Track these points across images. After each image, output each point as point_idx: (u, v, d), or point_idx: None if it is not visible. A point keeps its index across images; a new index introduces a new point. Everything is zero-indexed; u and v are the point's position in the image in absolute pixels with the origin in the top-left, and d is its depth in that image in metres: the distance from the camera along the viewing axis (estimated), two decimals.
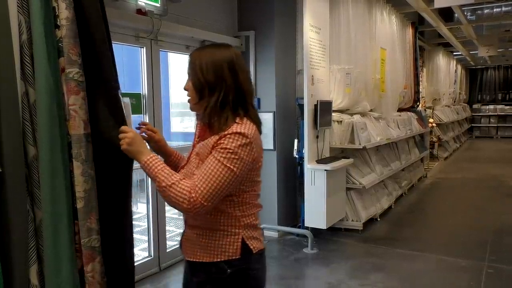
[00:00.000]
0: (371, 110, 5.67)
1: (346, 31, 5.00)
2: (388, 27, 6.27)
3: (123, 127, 1.49)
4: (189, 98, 1.56)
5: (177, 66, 5.81)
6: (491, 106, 16.47)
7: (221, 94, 1.47)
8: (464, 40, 10.32)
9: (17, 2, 1.22)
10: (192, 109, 1.58)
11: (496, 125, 16.24)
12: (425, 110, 9.34)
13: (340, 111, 4.95)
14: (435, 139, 9.80)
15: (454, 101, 13.09)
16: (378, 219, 5.19)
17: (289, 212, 4.87)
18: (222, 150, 1.39)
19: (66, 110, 1.30)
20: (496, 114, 16.21)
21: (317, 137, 4.39)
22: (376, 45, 5.78)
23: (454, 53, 12.58)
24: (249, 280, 1.52)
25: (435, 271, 3.74)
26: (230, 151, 1.39)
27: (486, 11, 9.51)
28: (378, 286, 3.42)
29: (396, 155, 6.43)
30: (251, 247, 1.50)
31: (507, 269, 3.76)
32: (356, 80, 4.99)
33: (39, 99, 1.23)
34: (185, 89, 1.56)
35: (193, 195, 1.36)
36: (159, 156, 1.53)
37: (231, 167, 1.38)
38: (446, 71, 11.42)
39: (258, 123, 1.52)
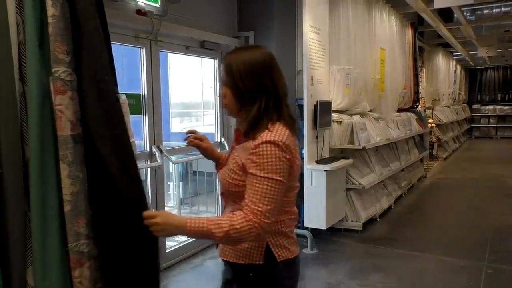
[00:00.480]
0: (370, 111, 5.67)
1: (346, 31, 5.00)
2: (388, 28, 6.27)
3: (147, 213, 1.35)
4: (225, 104, 1.53)
5: (177, 67, 5.81)
6: (491, 107, 16.47)
7: (263, 101, 1.45)
8: (464, 41, 10.33)
9: (15, 2, 1.22)
10: (229, 114, 1.57)
11: (495, 125, 16.24)
12: (425, 111, 9.34)
13: (340, 111, 4.95)
14: (434, 139, 9.80)
15: (454, 102, 13.09)
16: (378, 220, 5.19)
17: None
18: (260, 167, 1.37)
19: (54, 110, 1.26)
20: (495, 114, 16.21)
21: (317, 137, 4.39)
22: (376, 45, 5.78)
23: (453, 54, 12.58)
24: (272, 287, 1.51)
25: (434, 271, 3.74)
26: (268, 163, 1.36)
27: (485, 11, 9.52)
28: (378, 286, 3.41)
29: (396, 155, 6.43)
30: (276, 255, 1.48)
31: (507, 269, 3.75)
32: (355, 81, 4.99)
33: (30, 99, 1.21)
34: (221, 95, 1.54)
35: (255, 219, 1.35)
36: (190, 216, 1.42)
37: (275, 177, 1.36)
38: (445, 71, 11.42)
39: (292, 124, 1.49)
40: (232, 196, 1.51)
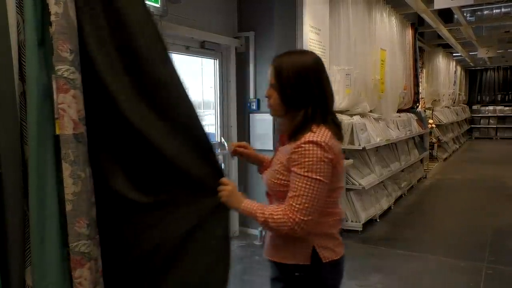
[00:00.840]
0: (370, 111, 5.67)
1: (346, 32, 5.00)
2: (388, 28, 6.27)
3: (223, 180, 1.58)
4: (270, 105, 1.56)
5: (176, 67, 5.81)
6: (491, 107, 16.47)
7: (309, 109, 1.46)
8: (464, 41, 10.33)
9: (15, 2, 1.21)
10: (273, 115, 1.61)
11: (495, 126, 16.24)
12: (425, 111, 9.34)
13: (340, 112, 4.95)
14: (434, 140, 9.80)
15: (454, 102, 13.10)
16: (378, 220, 5.19)
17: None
18: (301, 165, 1.40)
19: (55, 109, 1.25)
20: (495, 115, 16.21)
21: None
22: (376, 46, 5.78)
23: (453, 54, 12.59)
24: (317, 287, 1.54)
25: (434, 272, 3.74)
26: (309, 162, 1.39)
27: (485, 12, 9.53)
28: (378, 287, 3.41)
29: (396, 156, 6.43)
30: (321, 256, 1.50)
31: (507, 270, 3.75)
32: (355, 81, 4.99)
33: (30, 98, 1.21)
34: (267, 96, 1.56)
35: (290, 215, 1.40)
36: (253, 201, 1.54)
37: (317, 176, 1.39)
38: (445, 72, 11.42)
39: (336, 128, 1.51)
40: (277, 196, 1.53)
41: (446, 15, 8.44)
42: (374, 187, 5.28)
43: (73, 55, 1.25)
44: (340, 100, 4.81)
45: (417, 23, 7.98)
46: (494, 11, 9.44)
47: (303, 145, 1.40)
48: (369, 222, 5.01)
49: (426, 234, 4.81)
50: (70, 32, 1.25)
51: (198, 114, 1.58)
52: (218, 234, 1.62)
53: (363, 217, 4.84)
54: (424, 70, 10.02)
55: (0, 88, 1.18)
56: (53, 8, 1.21)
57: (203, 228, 1.57)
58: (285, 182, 1.47)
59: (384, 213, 5.45)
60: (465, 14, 8.32)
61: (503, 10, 9.31)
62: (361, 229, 4.72)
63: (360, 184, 4.82)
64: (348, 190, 4.82)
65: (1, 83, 1.18)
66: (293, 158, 1.42)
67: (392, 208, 5.78)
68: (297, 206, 1.40)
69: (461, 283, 3.51)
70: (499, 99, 16.80)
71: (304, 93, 1.47)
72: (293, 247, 1.51)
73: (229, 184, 1.58)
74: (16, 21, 1.22)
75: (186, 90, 1.54)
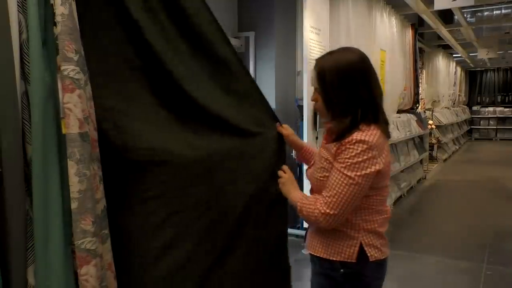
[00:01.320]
0: None
1: (346, 32, 5.01)
2: (388, 29, 6.27)
3: (283, 167, 1.74)
4: (316, 108, 1.53)
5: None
6: (491, 108, 16.48)
7: (358, 114, 1.42)
8: (464, 42, 10.34)
9: (18, 1, 1.22)
10: (321, 118, 1.58)
11: (495, 127, 16.24)
12: (425, 112, 9.35)
13: None
14: (434, 141, 9.80)
15: (454, 103, 13.10)
16: None
17: (288, 213, 4.86)
18: (342, 160, 1.39)
19: (61, 109, 1.28)
20: (495, 116, 16.22)
21: (317, 138, 4.39)
22: (376, 46, 5.78)
23: (453, 55, 12.60)
24: (361, 285, 1.52)
25: (434, 273, 3.74)
26: (350, 160, 1.37)
27: (486, 13, 9.53)
28: None
29: (396, 156, 6.43)
30: (368, 254, 1.48)
31: (506, 271, 3.76)
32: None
33: (33, 98, 1.22)
34: (313, 100, 1.53)
35: (318, 205, 1.42)
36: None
37: (352, 175, 1.37)
38: (445, 73, 11.43)
39: (385, 126, 1.47)
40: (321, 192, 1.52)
41: (446, 16, 8.44)
42: None
43: (78, 55, 1.28)
44: None
45: (417, 24, 7.99)
46: (495, 12, 9.45)
47: (349, 143, 1.38)
48: None
49: (425, 235, 4.81)
50: (75, 33, 1.28)
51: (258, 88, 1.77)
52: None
53: None
54: (424, 71, 10.02)
55: (1, 88, 1.18)
56: (59, 9, 1.23)
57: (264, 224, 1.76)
58: None
59: None
60: (465, 15, 8.32)
61: (503, 11, 9.32)
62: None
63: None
64: None
65: (2, 82, 1.18)
66: (338, 153, 1.42)
67: (392, 208, 5.78)
68: (327, 198, 1.40)
69: (461, 284, 3.51)
70: (499, 100, 16.81)
71: (350, 97, 1.42)
72: (340, 243, 1.50)
73: (287, 173, 1.70)
74: (17, 21, 1.22)
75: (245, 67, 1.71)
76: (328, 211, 1.40)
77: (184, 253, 1.53)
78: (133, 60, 1.48)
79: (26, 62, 1.24)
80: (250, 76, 1.77)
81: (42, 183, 1.23)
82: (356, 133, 1.39)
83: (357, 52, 1.49)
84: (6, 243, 1.23)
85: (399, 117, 6.76)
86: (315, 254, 1.57)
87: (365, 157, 1.37)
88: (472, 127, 16.40)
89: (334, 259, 1.50)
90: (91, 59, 1.35)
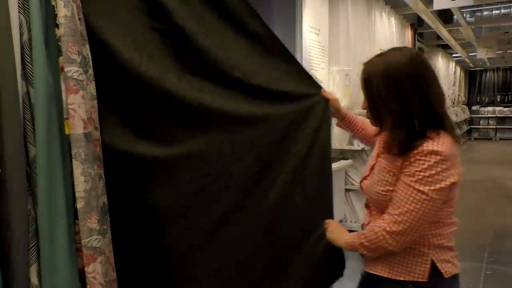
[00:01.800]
0: None
1: (345, 32, 5.02)
2: (387, 29, 6.28)
3: (326, 221, 1.65)
4: (368, 116, 1.39)
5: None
6: (490, 108, 16.50)
7: (414, 124, 1.25)
8: (463, 42, 10.35)
9: (18, 2, 1.23)
10: (373, 125, 1.44)
11: (495, 126, 16.26)
12: None
13: None
14: None
15: (453, 103, 13.12)
16: None
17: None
18: (411, 173, 1.24)
19: (65, 109, 1.30)
20: (495, 116, 16.23)
21: None
22: (375, 46, 5.79)
23: (453, 55, 12.62)
24: None
25: None
26: (422, 173, 1.22)
27: (485, 13, 9.55)
28: None
29: None
30: (442, 271, 1.34)
31: (506, 271, 3.76)
32: (355, 82, 5.00)
33: (37, 99, 1.24)
34: (363, 109, 1.39)
35: (384, 225, 1.28)
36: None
37: (425, 190, 1.22)
38: (445, 72, 11.45)
39: (452, 132, 1.30)
40: (382, 208, 1.37)
41: (445, 15, 8.45)
42: None
43: (80, 56, 1.29)
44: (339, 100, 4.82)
45: (416, 24, 8.00)
46: (494, 12, 9.47)
47: (419, 155, 1.23)
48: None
49: None
50: (77, 34, 1.29)
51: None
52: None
53: (362, 217, 4.85)
54: None
55: (3, 88, 1.19)
56: (62, 11, 1.24)
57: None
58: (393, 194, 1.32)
59: None
60: (464, 15, 8.34)
61: (502, 11, 9.33)
62: (361, 230, 4.72)
63: (359, 185, 4.83)
64: (347, 190, 4.84)
65: (4, 83, 1.19)
66: (405, 165, 1.27)
67: None
68: (395, 217, 1.26)
69: (461, 283, 3.50)
70: (498, 100, 16.84)
71: (402, 109, 1.25)
72: (407, 261, 1.34)
73: (330, 221, 1.62)
74: (18, 21, 1.23)
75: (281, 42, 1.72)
76: (394, 229, 1.26)
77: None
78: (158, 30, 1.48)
79: (28, 63, 1.25)
80: (285, 47, 1.76)
81: (47, 183, 1.25)
82: (425, 142, 1.23)
83: (408, 53, 1.30)
84: (8, 242, 1.24)
85: None
86: (377, 274, 1.40)
87: (438, 169, 1.21)
88: (471, 126, 16.42)
89: (403, 279, 1.34)
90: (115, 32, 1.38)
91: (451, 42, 9.62)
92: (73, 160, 1.28)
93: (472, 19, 9.51)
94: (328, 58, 4.66)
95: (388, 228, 1.28)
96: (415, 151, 1.24)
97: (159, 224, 1.51)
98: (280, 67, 1.66)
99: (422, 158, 1.22)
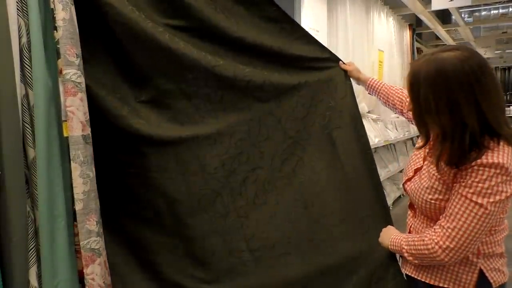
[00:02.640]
0: (369, 112, 5.69)
1: (344, 33, 5.02)
2: (386, 29, 6.29)
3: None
4: (414, 121, 1.26)
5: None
6: None
7: (466, 138, 1.12)
8: (462, 42, 10.37)
9: (17, 5, 1.24)
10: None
11: None
12: None
13: None
14: None
15: None
16: None
17: None
18: (469, 184, 1.15)
19: (63, 112, 1.31)
20: None
21: None
22: (374, 47, 5.80)
23: None
24: None
25: None
26: (481, 184, 1.13)
27: (483, 13, 9.57)
28: None
29: (394, 156, 6.45)
30: (491, 280, 1.27)
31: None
32: (353, 82, 5.00)
33: (37, 101, 1.24)
34: (409, 110, 1.28)
35: (437, 238, 1.20)
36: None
37: (484, 203, 1.13)
38: None
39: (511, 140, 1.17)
40: (430, 214, 1.32)
41: (444, 16, 8.47)
42: None
43: (78, 59, 1.30)
44: None
45: (415, 24, 8.01)
46: (492, 12, 9.48)
47: (476, 166, 1.13)
48: None
49: None
50: (75, 37, 1.30)
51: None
52: None
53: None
54: None
55: (2, 91, 1.20)
56: (61, 14, 1.25)
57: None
58: (443, 203, 1.25)
59: None
60: (462, 15, 8.35)
61: (500, 11, 9.35)
62: None
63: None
64: None
65: (3, 85, 1.20)
66: (462, 175, 1.17)
67: (391, 209, 5.79)
68: (449, 230, 1.18)
69: None
70: None
71: (450, 119, 1.12)
72: (454, 268, 1.28)
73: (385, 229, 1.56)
74: (17, 25, 1.24)
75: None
76: (448, 244, 1.18)
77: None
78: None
79: (27, 66, 1.26)
80: (303, 28, 1.81)
81: (46, 185, 1.25)
82: (485, 154, 1.13)
83: (462, 55, 1.12)
84: (7, 244, 1.24)
85: (398, 118, 6.78)
86: (417, 278, 1.35)
87: (498, 180, 1.12)
88: None
89: (446, 286, 1.29)
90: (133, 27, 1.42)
91: (450, 42, 9.63)
92: (71, 162, 1.29)
93: (471, 19, 9.52)
94: None
95: (441, 243, 1.19)
96: (474, 163, 1.13)
97: (183, 214, 1.54)
98: (300, 46, 1.72)
99: (481, 168, 1.13)
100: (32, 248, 1.29)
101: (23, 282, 1.26)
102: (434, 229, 1.24)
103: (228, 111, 1.58)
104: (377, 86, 1.80)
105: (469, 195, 1.15)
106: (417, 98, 1.16)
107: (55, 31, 1.30)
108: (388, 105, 1.80)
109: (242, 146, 1.58)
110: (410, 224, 1.48)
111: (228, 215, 1.56)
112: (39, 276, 1.31)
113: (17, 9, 1.24)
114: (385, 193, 5.84)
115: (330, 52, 1.83)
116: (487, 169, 1.12)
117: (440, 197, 1.24)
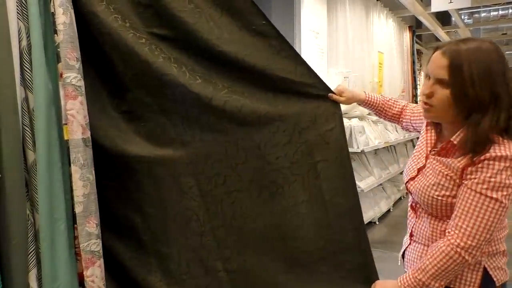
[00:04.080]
0: (369, 114, 5.69)
1: (344, 34, 5.03)
2: (386, 31, 6.30)
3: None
4: (432, 105, 1.24)
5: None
6: None
7: (495, 114, 1.15)
8: None
9: (17, 9, 1.24)
10: (431, 118, 1.32)
11: None
12: None
13: None
14: None
15: None
16: (377, 223, 5.20)
17: None
18: (481, 180, 1.16)
19: (63, 115, 1.31)
20: None
21: None
22: (374, 48, 5.81)
23: None
24: None
25: None
26: (493, 178, 1.15)
27: (483, 14, 9.59)
28: None
29: (395, 158, 6.45)
30: (495, 278, 1.28)
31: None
32: (354, 84, 5.01)
33: (37, 104, 1.25)
34: (428, 95, 1.25)
35: (457, 242, 1.18)
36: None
37: (498, 197, 1.15)
38: None
39: None
40: (434, 213, 1.32)
41: (443, 17, 8.48)
42: (373, 189, 5.29)
43: (79, 63, 1.31)
44: None
45: (414, 26, 8.02)
46: (492, 13, 9.50)
47: (487, 161, 1.15)
48: (368, 225, 5.02)
49: None
50: (75, 41, 1.31)
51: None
52: None
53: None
54: (422, 73, 10.05)
55: (2, 94, 1.20)
56: (61, 18, 1.26)
57: None
58: (452, 199, 1.25)
59: (383, 216, 5.46)
60: (462, 17, 8.37)
61: (500, 12, 9.37)
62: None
63: (359, 187, 4.83)
64: None
65: (3, 88, 1.20)
66: (472, 171, 1.18)
67: (391, 210, 5.79)
68: (467, 229, 1.17)
69: None
70: None
71: (489, 94, 1.16)
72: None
73: (376, 285, 1.48)
74: (17, 28, 1.24)
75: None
76: (470, 242, 1.17)
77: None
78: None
79: (26, 69, 1.26)
80: (292, 47, 1.67)
81: (47, 188, 1.25)
82: (493, 147, 1.16)
83: (493, 43, 1.23)
84: (7, 247, 1.24)
85: None
86: None
87: (508, 173, 1.15)
88: None
89: (452, 286, 1.28)
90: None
91: None
92: (71, 165, 1.29)
93: (470, 21, 9.54)
94: (327, 61, 4.67)
95: (462, 244, 1.18)
96: (483, 157, 1.16)
97: (158, 231, 1.52)
98: (286, 67, 1.59)
99: (491, 163, 1.15)
100: (32, 251, 1.29)
101: (23, 285, 1.26)
102: (448, 234, 1.22)
103: (205, 130, 1.52)
104: (373, 102, 1.74)
105: (483, 191, 1.16)
106: (460, 75, 1.17)
107: (55, 34, 1.30)
108: (384, 117, 1.77)
109: (219, 167, 1.53)
110: (412, 225, 1.47)
111: (204, 235, 1.52)
112: (39, 279, 1.30)
113: (17, 12, 1.24)
114: (386, 194, 5.85)
115: (320, 79, 1.65)
116: (497, 162, 1.15)
117: (447, 193, 1.25)
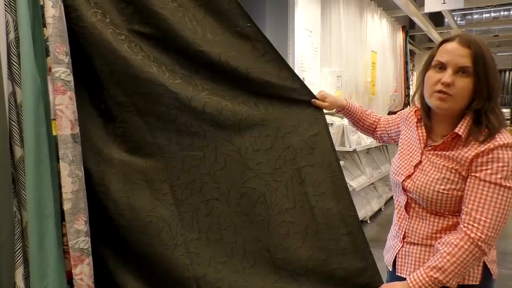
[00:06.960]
0: None
1: (337, 34, 5.04)
2: (379, 31, 6.32)
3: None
4: (452, 94, 1.24)
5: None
6: None
7: (497, 103, 1.23)
8: None
9: (5, 1, 1.21)
10: (445, 111, 1.29)
11: None
12: None
13: (331, 113, 4.97)
14: None
15: None
16: (368, 221, 5.22)
17: None
18: (494, 170, 1.17)
19: (52, 110, 1.29)
20: None
21: None
22: (367, 48, 5.83)
23: None
24: None
25: None
26: (505, 168, 1.17)
27: (475, 16, 9.66)
28: None
29: (386, 157, 6.48)
30: (492, 272, 1.32)
31: (506, 271, 3.78)
32: (346, 83, 5.02)
33: (25, 99, 1.22)
34: (450, 84, 1.23)
35: (472, 235, 1.18)
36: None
37: (507, 184, 1.17)
38: None
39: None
40: (437, 208, 1.30)
41: (436, 18, 8.53)
42: (365, 188, 5.31)
43: (68, 57, 1.28)
44: None
45: (408, 26, 8.05)
46: (484, 15, 9.58)
47: (495, 150, 1.18)
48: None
49: None
50: (64, 35, 1.28)
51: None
52: None
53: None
54: (415, 73, 10.10)
55: None
56: (50, 11, 1.23)
57: None
58: (459, 192, 1.25)
59: (375, 215, 5.49)
60: (455, 18, 8.42)
61: (492, 14, 9.45)
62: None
63: (350, 186, 4.84)
64: None
65: None
66: (481, 162, 1.19)
67: (382, 209, 5.82)
68: (487, 221, 1.17)
69: None
70: None
71: (496, 84, 1.22)
72: None
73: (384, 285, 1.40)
74: (5, 21, 1.22)
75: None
76: (489, 233, 1.17)
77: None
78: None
79: (14, 63, 1.24)
80: (277, 51, 1.62)
81: (35, 184, 1.23)
82: (496, 137, 1.20)
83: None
84: None
85: None
86: None
87: None
88: None
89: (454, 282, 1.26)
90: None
91: None
92: (60, 161, 1.26)
93: (463, 22, 9.60)
94: (320, 60, 4.67)
95: (482, 236, 1.18)
96: (487, 147, 1.18)
97: (130, 241, 1.44)
98: (270, 71, 1.54)
99: (501, 152, 1.18)
100: (19, 249, 1.26)
101: (10, 283, 1.24)
102: (466, 228, 1.20)
103: (182, 133, 1.44)
104: (352, 111, 1.72)
105: (498, 181, 1.17)
106: (486, 66, 1.22)
107: (44, 28, 1.27)
108: (361, 127, 1.78)
109: (195, 173, 1.45)
110: (405, 227, 1.45)
111: (176, 248, 1.42)
112: (26, 278, 1.28)
113: (5, 4, 1.21)
114: (377, 193, 5.87)
115: (303, 83, 1.59)
116: (505, 151, 1.17)
117: (453, 186, 1.25)
